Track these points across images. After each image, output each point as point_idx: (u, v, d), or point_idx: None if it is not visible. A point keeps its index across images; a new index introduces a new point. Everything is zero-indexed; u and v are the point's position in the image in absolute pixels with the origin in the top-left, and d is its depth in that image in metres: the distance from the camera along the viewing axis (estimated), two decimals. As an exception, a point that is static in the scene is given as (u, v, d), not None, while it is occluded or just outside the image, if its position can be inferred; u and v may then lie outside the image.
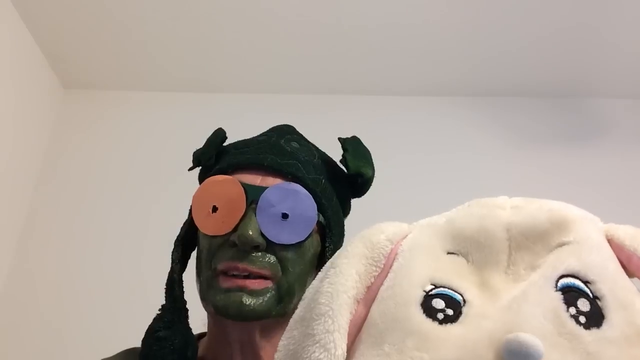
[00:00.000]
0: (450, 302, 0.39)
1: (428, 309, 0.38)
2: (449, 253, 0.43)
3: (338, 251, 0.46)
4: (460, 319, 0.37)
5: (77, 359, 1.55)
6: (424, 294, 0.40)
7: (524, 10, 1.73)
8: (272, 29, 1.82)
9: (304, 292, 0.69)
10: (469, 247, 0.43)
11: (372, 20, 1.78)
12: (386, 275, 0.44)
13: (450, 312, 0.38)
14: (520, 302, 0.37)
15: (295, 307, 0.69)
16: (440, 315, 0.38)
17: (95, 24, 1.82)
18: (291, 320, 0.44)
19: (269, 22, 1.80)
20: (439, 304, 0.38)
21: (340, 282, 0.42)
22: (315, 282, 0.45)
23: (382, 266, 0.44)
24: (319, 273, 0.46)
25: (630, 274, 0.40)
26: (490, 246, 0.42)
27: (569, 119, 1.97)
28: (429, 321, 0.38)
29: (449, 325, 0.37)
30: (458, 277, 0.41)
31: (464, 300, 0.39)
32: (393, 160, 1.82)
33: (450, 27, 1.80)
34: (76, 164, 1.91)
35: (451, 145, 1.93)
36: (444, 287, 0.40)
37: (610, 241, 0.42)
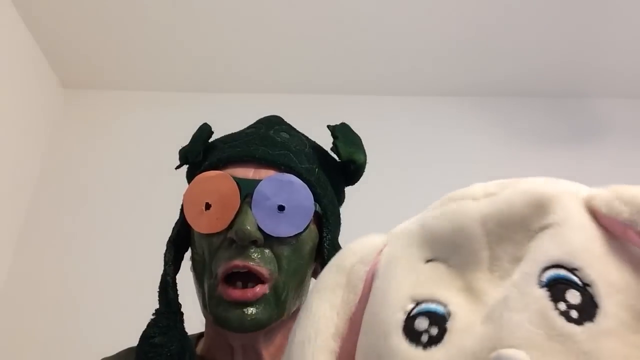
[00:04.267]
0: (434, 318, 0.36)
1: (411, 333, 0.36)
2: (427, 261, 0.40)
3: (314, 286, 0.43)
4: (445, 337, 0.35)
5: (77, 358, 1.55)
6: (405, 316, 0.37)
7: (524, 10, 1.73)
8: (272, 29, 1.82)
9: (301, 288, 0.68)
10: (446, 251, 0.39)
11: (372, 20, 1.78)
12: (366, 301, 0.40)
13: (434, 331, 0.35)
14: (502, 310, 0.34)
15: (293, 305, 0.68)
16: (424, 338, 0.35)
17: (95, 24, 1.82)
18: None
19: (269, 23, 1.80)
20: (421, 324, 0.36)
21: (311, 325, 0.39)
22: (294, 326, 0.42)
23: (360, 292, 0.41)
24: (299, 314, 0.43)
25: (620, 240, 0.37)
26: (468, 246, 0.38)
27: (569, 119, 1.96)
28: (412, 348, 0.35)
29: (432, 348, 0.35)
30: (440, 287, 0.38)
31: (449, 313, 0.36)
32: (393, 160, 1.82)
33: (451, 27, 1.80)
34: (76, 164, 1.91)
35: (451, 145, 1.92)
36: (426, 301, 0.37)
37: (592, 212, 0.38)
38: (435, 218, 0.41)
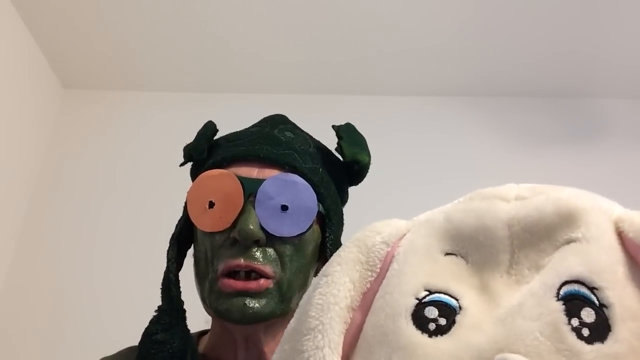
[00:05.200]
0: (445, 309, 0.36)
1: (419, 319, 0.36)
2: (447, 254, 0.40)
3: (332, 256, 0.44)
4: (452, 329, 0.35)
5: (77, 358, 1.55)
6: (417, 302, 0.37)
7: (524, 10, 1.73)
8: (272, 29, 1.82)
9: (304, 288, 0.68)
10: (468, 247, 0.39)
11: (372, 20, 1.78)
12: (382, 281, 0.41)
13: (443, 321, 0.36)
14: (515, 316, 0.34)
15: (296, 304, 0.68)
16: (431, 326, 0.36)
17: (95, 24, 1.82)
18: (285, 332, 0.42)
19: (269, 23, 1.80)
20: (431, 312, 0.36)
21: (331, 292, 0.40)
22: (309, 290, 0.43)
23: (378, 270, 0.41)
24: (314, 280, 0.44)
25: None
26: (491, 246, 0.38)
27: (569, 119, 1.97)
28: (418, 334, 0.35)
29: (439, 337, 0.35)
30: (455, 281, 0.38)
31: (460, 307, 0.36)
32: (393, 160, 1.82)
33: (451, 27, 1.80)
34: (76, 164, 1.91)
35: (451, 145, 1.93)
36: (439, 292, 0.37)
37: (620, 234, 0.37)
38: (462, 212, 0.41)
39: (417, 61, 1.91)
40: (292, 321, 0.42)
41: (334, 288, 0.40)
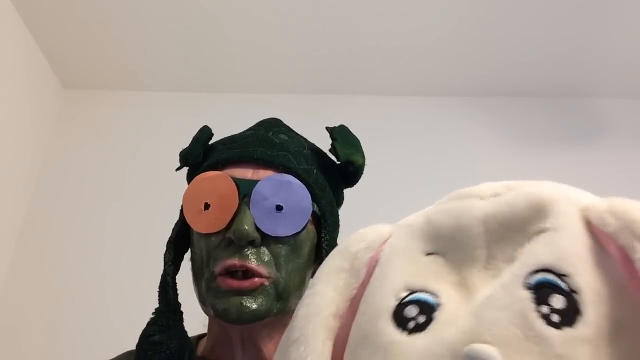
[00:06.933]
0: (424, 307, 0.37)
1: (399, 318, 0.37)
2: (428, 254, 0.41)
3: (320, 267, 0.45)
4: (430, 326, 0.36)
5: (77, 359, 1.55)
6: (397, 302, 0.38)
7: (524, 10, 1.73)
8: (272, 28, 1.82)
9: (301, 289, 0.69)
10: (447, 246, 0.41)
11: (372, 20, 1.78)
12: (367, 285, 0.42)
13: (422, 319, 0.36)
14: (485, 307, 0.35)
15: (294, 304, 0.68)
16: (411, 324, 0.36)
17: (95, 24, 1.82)
18: (280, 342, 0.43)
19: (269, 22, 1.80)
20: (411, 311, 0.37)
21: (314, 302, 0.41)
22: (300, 301, 0.44)
23: (363, 276, 0.42)
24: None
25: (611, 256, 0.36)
26: (467, 243, 0.40)
27: (569, 119, 1.97)
28: (397, 333, 0.36)
29: (416, 334, 0.36)
30: (434, 279, 0.39)
31: (439, 304, 0.37)
32: (393, 160, 1.82)
33: (451, 27, 1.80)
34: (76, 164, 1.91)
35: (451, 145, 1.93)
36: (419, 291, 0.38)
37: (588, 222, 0.38)
38: (440, 213, 0.42)
39: (416, 61, 1.91)
40: (285, 331, 0.43)
41: (318, 298, 0.41)
